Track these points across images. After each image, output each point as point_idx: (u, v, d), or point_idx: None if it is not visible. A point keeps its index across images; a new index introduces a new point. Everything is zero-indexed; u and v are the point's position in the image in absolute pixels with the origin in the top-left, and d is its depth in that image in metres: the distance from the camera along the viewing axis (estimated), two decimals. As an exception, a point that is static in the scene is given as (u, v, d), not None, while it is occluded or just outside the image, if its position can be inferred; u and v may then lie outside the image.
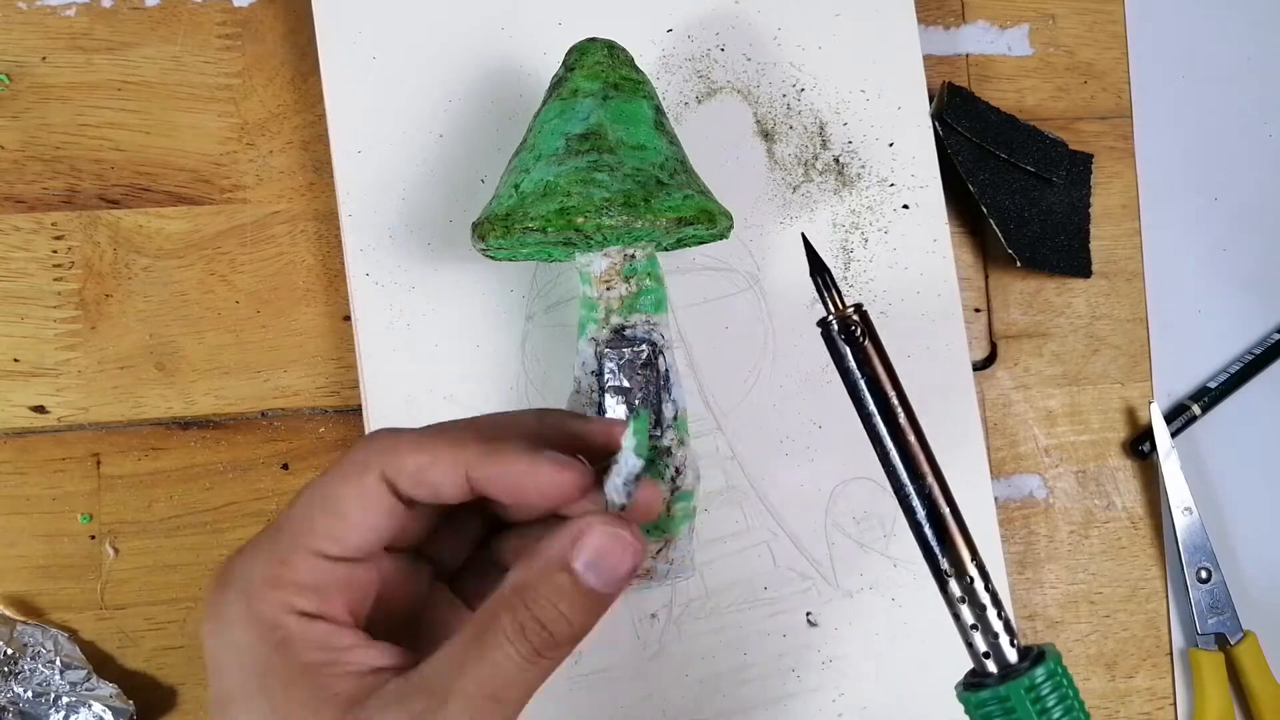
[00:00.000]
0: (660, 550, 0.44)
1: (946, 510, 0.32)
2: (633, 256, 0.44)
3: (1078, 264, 0.58)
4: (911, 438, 0.32)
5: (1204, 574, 0.56)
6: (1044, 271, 0.57)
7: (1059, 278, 0.58)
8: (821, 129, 0.55)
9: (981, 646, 0.32)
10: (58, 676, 0.48)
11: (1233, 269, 0.60)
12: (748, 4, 0.55)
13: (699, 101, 0.55)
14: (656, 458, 0.44)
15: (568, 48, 0.47)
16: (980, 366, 0.57)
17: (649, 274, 0.45)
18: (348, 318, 0.53)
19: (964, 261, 0.57)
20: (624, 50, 0.47)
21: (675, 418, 0.44)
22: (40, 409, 0.52)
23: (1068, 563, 0.57)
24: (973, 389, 0.54)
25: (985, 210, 0.56)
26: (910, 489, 0.32)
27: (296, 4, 0.55)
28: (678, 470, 0.44)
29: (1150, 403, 0.57)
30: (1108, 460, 0.58)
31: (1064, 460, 0.57)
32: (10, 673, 0.48)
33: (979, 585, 0.32)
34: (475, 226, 0.46)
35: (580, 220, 0.42)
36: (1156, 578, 0.57)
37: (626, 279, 0.44)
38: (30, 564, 0.51)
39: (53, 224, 0.53)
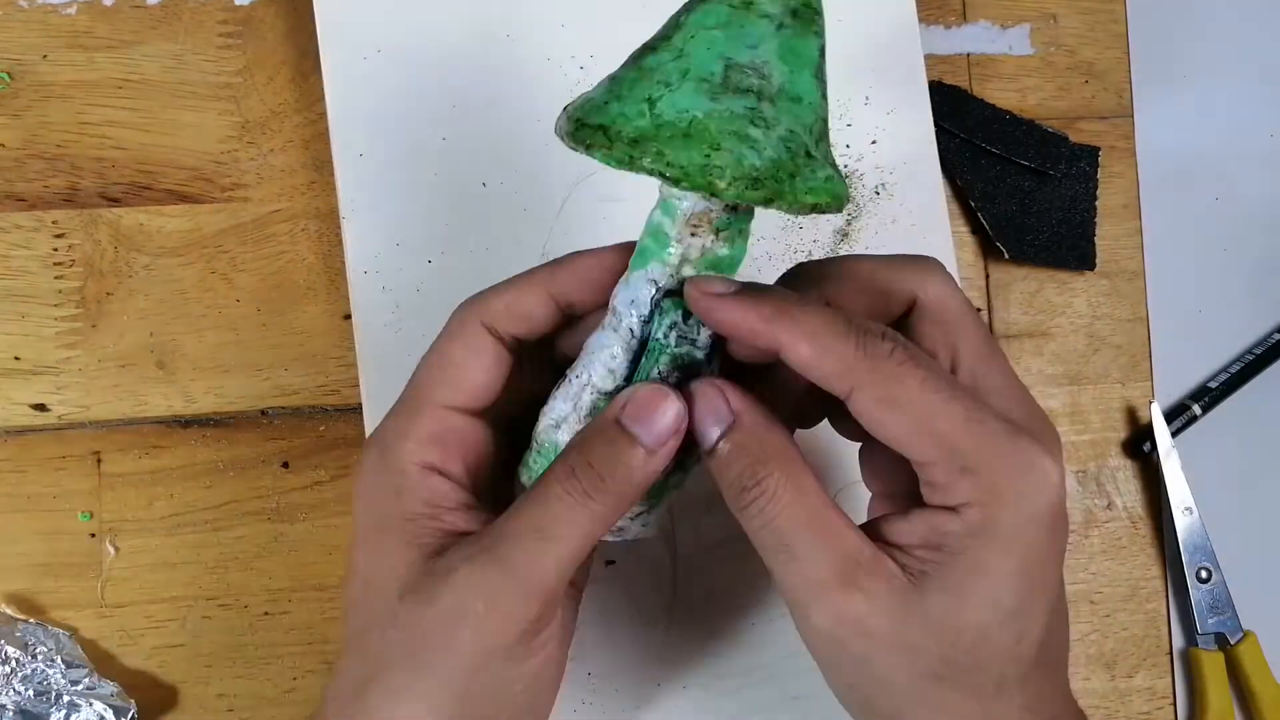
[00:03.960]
0: (639, 514, 0.41)
1: None
2: (734, 209, 0.37)
3: (1081, 256, 0.58)
4: None
5: (1204, 574, 0.56)
6: (1041, 264, 0.57)
7: (1059, 277, 0.58)
8: (823, 129, 0.55)
9: None
10: (59, 675, 0.48)
11: (1234, 269, 0.60)
12: (749, 3, 0.55)
13: (701, 101, 0.54)
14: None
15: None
16: (981, 366, 0.57)
17: (740, 231, 0.38)
18: (348, 316, 0.53)
19: (964, 261, 0.57)
20: None
21: None
22: (41, 407, 0.52)
23: (1068, 562, 0.57)
24: (973, 389, 0.54)
25: (973, 204, 0.56)
26: None
27: (298, 3, 0.55)
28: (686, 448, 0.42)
29: (1151, 402, 0.57)
30: (1108, 460, 0.58)
31: (1064, 460, 0.57)
32: (12, 671, 0.48)
33: None
34: (580, 121, 0.36)
35: (721, 185, 0.34)
36: (1156, 577, 0.57)
37: (718, 232, 0.37)
38: (30, 562, 0.51)
39: (53, 222, 0.53)
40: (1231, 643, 0.56)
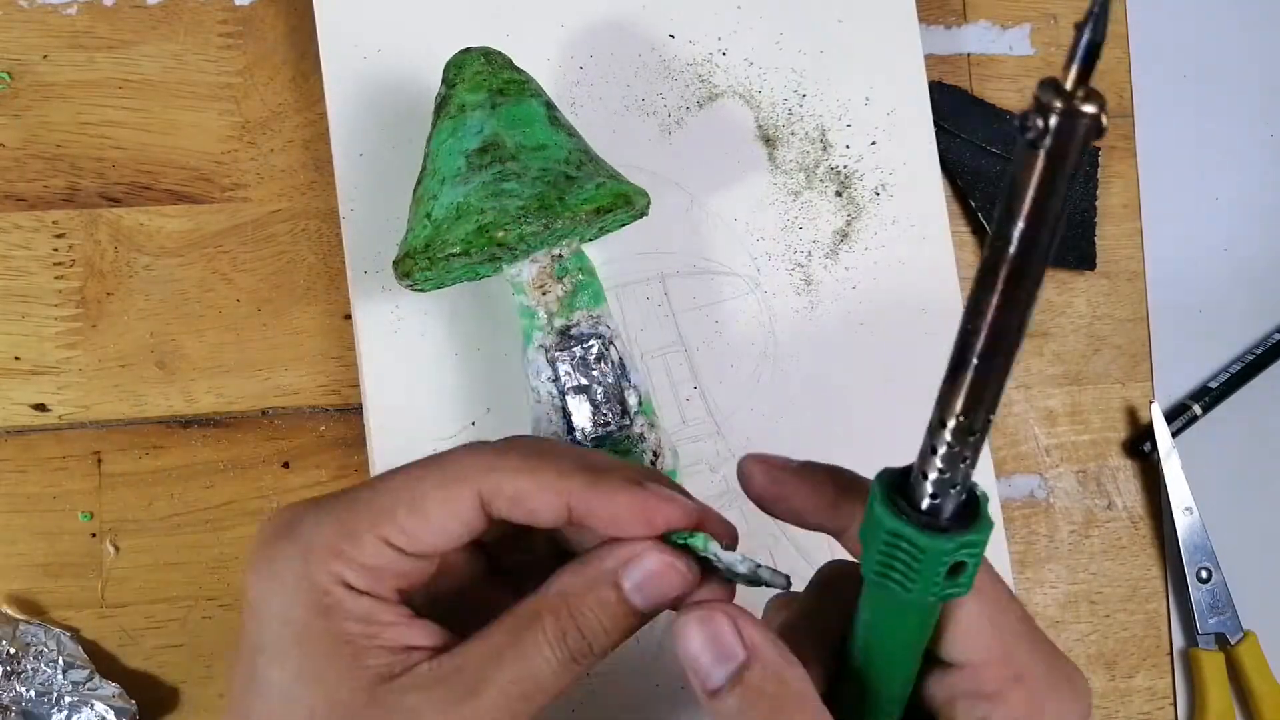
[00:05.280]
0: None
1: (1001, 361, 0.26)
2: (560, 256, 0.45)
3: (1082, 256, 0.58)
4: (1028, 284, 0.24)
5: (1204, 574, 0.56)
6: (1044, 269, 0.57)
7: (1060, 277, 0.58)
8: (823, 135, 0.55)
9: (959, 487, 0.28)
10: (60, 676, 0.48)
11: (1234, 268, 0.60)
12: (750, 8, 0.55)
13: (700, 106, 0.54)
14: (632, 446, 0.44)
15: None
16: (981, 366, 0.57)
17: (580, 269, 0.45)
18: (348, 316, 0.53)
19: (965, 261, 0.57)
20: (501, 54, 0.47)
21: (640, 403, 0.45)
22: (41, 407, 0.52)
23: (1068, 562, 0.57)
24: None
25: (973, 204, 0.56)
26: (987, 314, 0.25)
27: (298, 3, 0.55)
28: (655, 454, 0.45)
29: (1151, 402, 0.58)
30: (1108, 460, 0.58)
31: (1064, 460, 0.57)
32: (13, 672, 0.48)
33: (985, 427, 0.28)
34: (396, 264, 0.45)
35: (500, 234, 0.42)
36: (1157, 577, 0.57)
37: (559, 279, 0.45)
38: (31, 562, 0.51)
39: (53, 222, 0.53)
40: (1232, 643, 0.56)
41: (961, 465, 0.27)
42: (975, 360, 0.26)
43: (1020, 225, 0.23)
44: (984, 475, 0.53)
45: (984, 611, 0.31)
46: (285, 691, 0.30)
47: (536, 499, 0.31)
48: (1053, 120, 0.21)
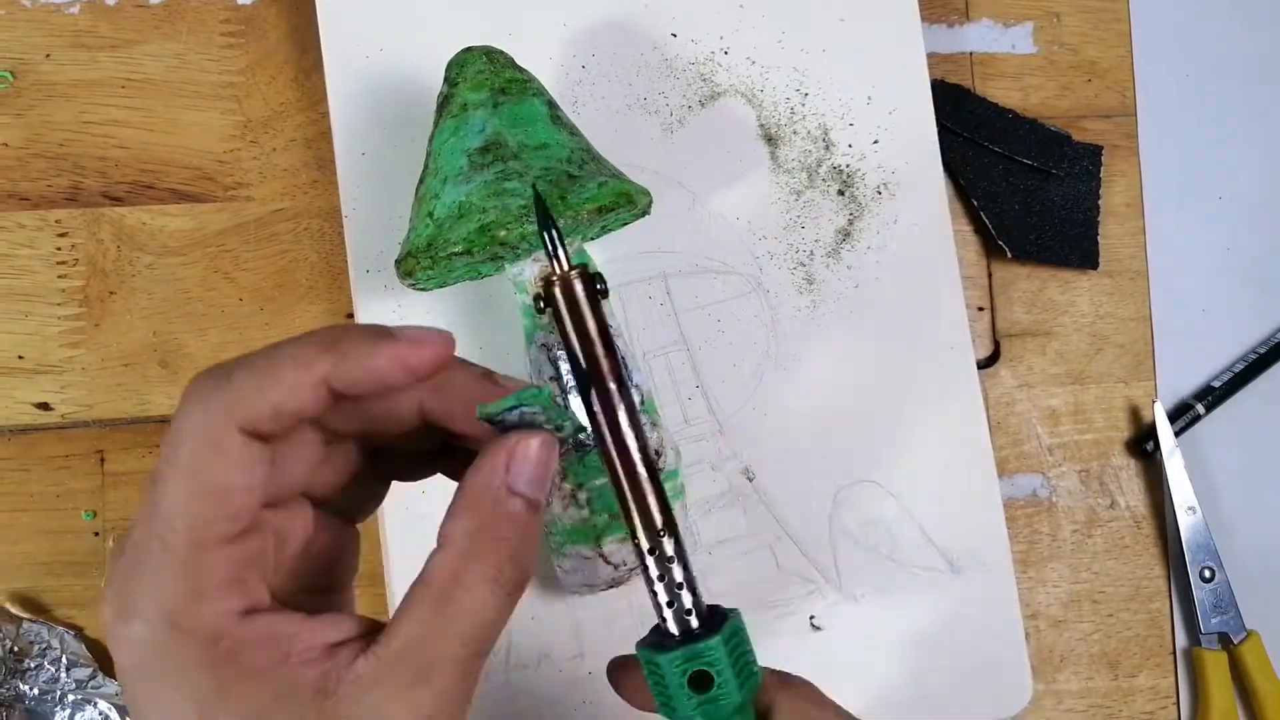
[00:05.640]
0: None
1: (644, 471, 0.31)
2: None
3: (1085, 255, 0.58)
4: (619, 402, 0.31)
5: (1207, 573, 0.56)
6: (1044, 263, 0.57)
7: (1062, 276, 0.58)
8: (825, 133, 0.55)
9: (676, 603, 0.31)
10: (64, 674, 0.49)
11: (1237, 267, 0.60)
12: (752, 7, 0.55)
13: (702, 105, 0.54)
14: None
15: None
16: (984, 365, 0.57)
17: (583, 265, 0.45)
18: (351, 315, 0.53)
19: (967, 260, 0.57)
20: (503, 53, 0.47)
21: (642, 402, 0.45)
22: (44, 406, 0.52)
23: (1071, 562, 0.57)
24: (978, 388, 0.54)
25: (976, 203, 0.56)
26: (612, 448, 0.31)
27: (300, 2, 0.55)
28: (657, 453, 0.45)
29: (1154, 401, 0.57)
30: (1111, 459, 0.58)
31: (1067, 459, 0.57)
32: (16, 670, 0.48)
33: (670, 543, 0.31)
34: (399, 263, 0.45)
35: (503, 233, 0.43)
36: (1160, 577, 0.57)
37: None
38: (34, 561, 0.51)
39: (56, 221, 0.53)
40: (1235, 642, 0.56)
41: (667, 582, 0.31)
42: (624, 487, 0.31)
43: (584, 366, 0.31)
44: (986, 475, 0.53)
45: None
46: None
47: (294, 399, 0.29)
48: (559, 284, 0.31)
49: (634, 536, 0.31)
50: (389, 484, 0.34)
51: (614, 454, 0.31)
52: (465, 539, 0.29)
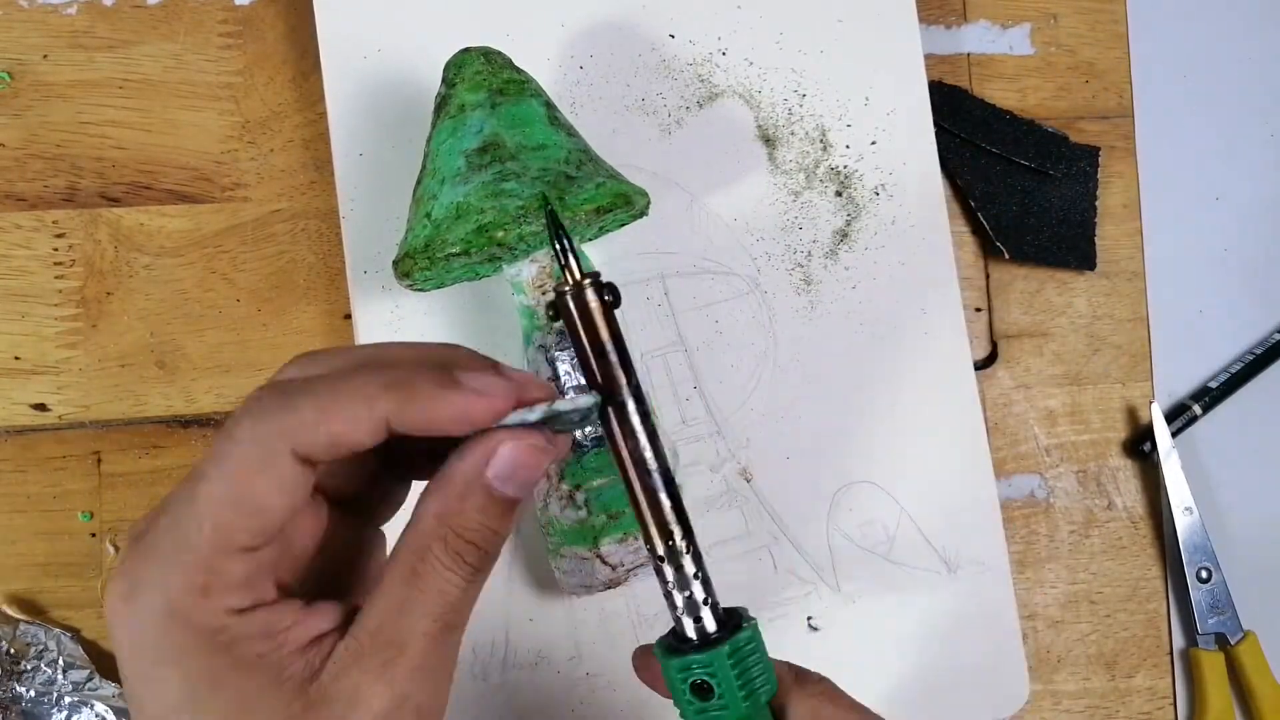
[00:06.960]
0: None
1: (661, 482, 0.31)
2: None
3: (1082, 256, 0.58)
4: (636, 416, 0.31)
5: (1204, 574, 0.56)
6: (1041, 264, 0.57)
7: (1060, 277, 0.58)
8: (823, 134, 0.55)
9: (691, 609, 0.32)
10: (60, 676, 0.48)
11: (1234, 269, 0.60)
12: (750, 8, 0.55)
13: (700, 106, 0.54)
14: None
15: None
16: (981, 366, 0.57)
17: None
18: (348, 316, 0.53)
19: (965, 261, 0.57)
20: (501, 54, 0.47)
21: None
22: (41, 407, 0.52)
23: (1068, 562, 0.57)
24: (975, 388, 0.54)
25: (973, 204, 0.56)
26: (629, 462, 0.31)
27: (298, 2, 0.55)
28: None
29: (1151, 402, 0.57)
30: (1108, 460, 0.58)
31: (1064, 460, 0.57)
32: (13, 672, 0.48)
33: (686, 550, 0.31)
34: (396, 264, 0.45)
35: (500, 234, 0.43)
36: (1157, 577, 0.57)
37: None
38: (31, 562, 0.51)
39: (54, 222, 0.53)
40: (1232, 643, 0.56)
41: (687, 594, 0.31)
42: (640, 499, 0.31)
43: (599, 377, 0.30)
44: (984, 475, 0.53)
45: None
46: None
47: (353, 434, 0.29)
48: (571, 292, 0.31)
49: (649, 545, 0.31)
50: (409, 485, 0.35)
51: (630, 467, 0.31)
52: (433, 519, 0.30)
